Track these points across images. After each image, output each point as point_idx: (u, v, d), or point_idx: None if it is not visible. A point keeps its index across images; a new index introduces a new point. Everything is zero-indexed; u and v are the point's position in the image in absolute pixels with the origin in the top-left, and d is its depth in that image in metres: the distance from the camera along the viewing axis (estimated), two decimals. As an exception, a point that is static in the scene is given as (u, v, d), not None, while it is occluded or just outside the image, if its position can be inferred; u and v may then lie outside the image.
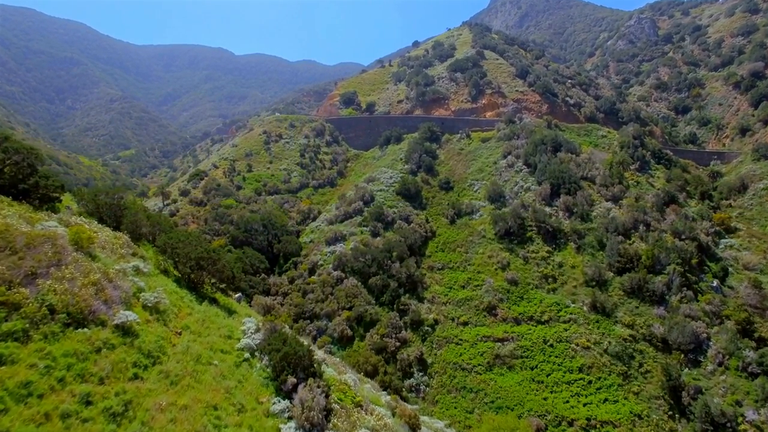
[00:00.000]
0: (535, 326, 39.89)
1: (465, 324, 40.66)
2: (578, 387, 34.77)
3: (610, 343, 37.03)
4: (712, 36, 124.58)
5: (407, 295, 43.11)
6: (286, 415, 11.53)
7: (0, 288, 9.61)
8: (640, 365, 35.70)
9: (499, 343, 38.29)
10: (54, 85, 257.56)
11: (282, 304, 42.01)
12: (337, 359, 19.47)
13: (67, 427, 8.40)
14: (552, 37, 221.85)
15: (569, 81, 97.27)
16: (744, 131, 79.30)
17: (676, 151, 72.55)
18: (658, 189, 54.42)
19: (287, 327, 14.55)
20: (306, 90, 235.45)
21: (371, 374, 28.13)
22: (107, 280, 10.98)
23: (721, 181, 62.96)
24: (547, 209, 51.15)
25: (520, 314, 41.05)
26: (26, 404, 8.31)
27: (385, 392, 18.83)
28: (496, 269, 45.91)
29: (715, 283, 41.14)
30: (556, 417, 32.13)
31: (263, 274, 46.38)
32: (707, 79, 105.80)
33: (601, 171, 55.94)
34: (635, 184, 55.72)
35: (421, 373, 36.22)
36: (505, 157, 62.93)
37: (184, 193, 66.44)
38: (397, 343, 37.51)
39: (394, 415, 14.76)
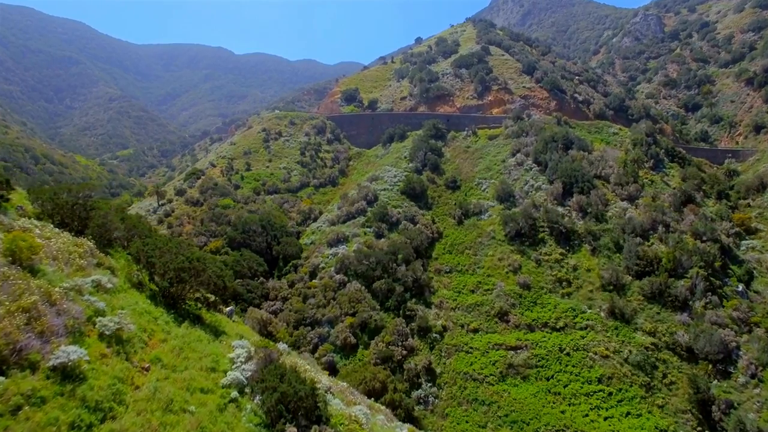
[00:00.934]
0: (550, 333, 37.69)
1: (475, 331, 38.44)
2: (598, 399, 32.56)
3: (630, 351, 34.79)
4: (721, 32, 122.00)
5: (414, 300, 40.85)
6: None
7: None
8: (664, 376, 33.44)
9: (512, 352, 36.11)
10: (52, 84, 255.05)
11: (281, 310, 39.71)
12: (344, 384, 17.15)
13: None
14: (555, 35, 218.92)
15: (577, 77, 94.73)
16: (759, 128, 76.77)
17: (688, 149, 70.02)
18: (675, 188, 52.16)
19: (285, 351, 12.24)
20: (306, 88, 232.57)
21: (379, 392, 25.98)
22: (48, 304, 8.39)
23: (738, 179, 60.56)
24: (560, 209, 48.89)
25: (533, 320, 38.83)
26: None
27: (401, 423, 16.59)
28: (507, 272, 43.67)
29: (741, 287, 38.89)
30: (576, 433, 29.95)
31: (262, 278, 44.09)
32: (717, 76, 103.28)
33: (614, 169, 53.63)
34: (650, 182, 53.44)
35: (429, 384, 33.99)
36: (513, 155, 60.62)
37: (180, 192, 64.06)
38: (404, 352, 35.30)
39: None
